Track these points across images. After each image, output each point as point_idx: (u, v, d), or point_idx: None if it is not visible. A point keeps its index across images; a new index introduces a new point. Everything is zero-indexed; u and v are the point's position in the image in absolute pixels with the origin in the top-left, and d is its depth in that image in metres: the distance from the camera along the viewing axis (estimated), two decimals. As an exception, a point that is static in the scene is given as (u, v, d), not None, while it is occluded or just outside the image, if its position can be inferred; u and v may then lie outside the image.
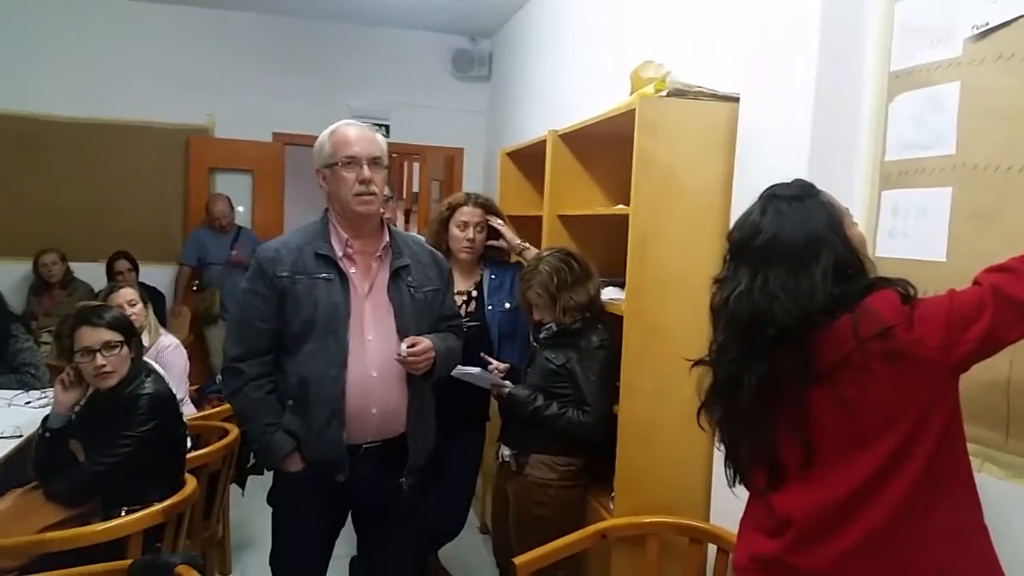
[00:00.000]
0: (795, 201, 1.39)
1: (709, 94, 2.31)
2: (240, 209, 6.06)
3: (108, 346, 2.32)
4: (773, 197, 1.42)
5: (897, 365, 1.27)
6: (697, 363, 1.49)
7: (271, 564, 2.28)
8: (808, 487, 1.37)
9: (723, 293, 1.43)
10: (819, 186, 1.45)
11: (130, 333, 2.37)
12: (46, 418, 2.43)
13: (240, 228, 5.69)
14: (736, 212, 2.16)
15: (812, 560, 1.36)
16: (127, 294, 3.16)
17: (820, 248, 1.34)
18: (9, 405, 3.13)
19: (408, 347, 2.09)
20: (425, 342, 2.13)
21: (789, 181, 1.46)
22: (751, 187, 1.52)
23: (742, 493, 1.53)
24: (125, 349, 2.35)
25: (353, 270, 2.15)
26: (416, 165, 6.46)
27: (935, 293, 1.35)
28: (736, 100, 2.26)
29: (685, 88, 2.31)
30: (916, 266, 1.71)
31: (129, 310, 3.02)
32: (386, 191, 2.31)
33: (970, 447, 1.36)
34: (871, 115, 1.90)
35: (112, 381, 2.33)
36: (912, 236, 1.77)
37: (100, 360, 2.31)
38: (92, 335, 2.32)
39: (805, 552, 1.37)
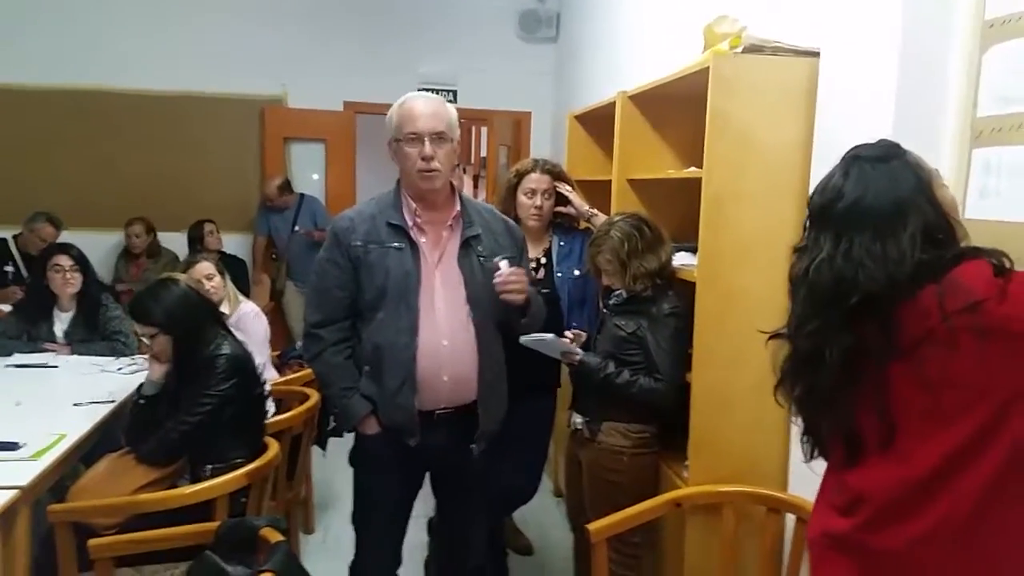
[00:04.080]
0: (880, 162, 1.31)
1: (787, 49, 2.21)
2: (315, 177, 6.19)
3: (149, 336, 2.48)
4: (856, 159, 1.34)
5: (985, 341, 1.18)
6: (773, 336, 1.43)
7: (353, 522, 2.35)
8: (885, 465, 1.31)
9: (803, 262, 1.36)
10: (906, 144, 1.37)
11: (168, 326, 2.46)
12: (140, 385, 2.56)
13: (303, 198, 5.77)
14: (816, 173, 2.08)
15: (884, 540, 1.31)
16: (204, 268, 3.26)
17: (908, 212, 1.26)
18: (102, 371, 3.29)
19: (507, 266, 2.12)
20: (520, 268, 2.14)
21: (873, 141, 1.38)
22: (832, 147, 1.46)
23: (820, 464, 1.49)
24: (163, 337, 2.45)
25: (423, 239, 2.18)
26: (484, 130, 6.44)
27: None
28: (816, 55, 2.16)
29: (762, 44, 2.21)
30: (1009, 228, 1.61)
31: (207, 284, 3.15)
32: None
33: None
34: (962, 68, 1.78)
35: (162, 362, 2.50)
36: (1006, 196, 1.67)
37: (146, 346, 2.52)
38: (137, 328, 2.52)
39: (878, 532, 1.32)
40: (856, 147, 1.37)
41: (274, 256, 5.85)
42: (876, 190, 1.29)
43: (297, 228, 5.64)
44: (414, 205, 2.18)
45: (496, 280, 2.12)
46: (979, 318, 1.18)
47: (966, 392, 1.21)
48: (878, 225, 1.27)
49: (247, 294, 4.26)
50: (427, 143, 2.09)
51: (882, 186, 1.29)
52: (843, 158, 1.37)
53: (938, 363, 1.22)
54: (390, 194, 2.24)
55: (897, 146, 1.35)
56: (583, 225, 3.07)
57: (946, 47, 1.81)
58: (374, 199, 2.26)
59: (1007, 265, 1.21)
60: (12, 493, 2.08)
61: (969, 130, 1.77)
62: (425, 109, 2.12)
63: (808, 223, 1.39)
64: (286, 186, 5.67)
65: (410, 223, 2.17)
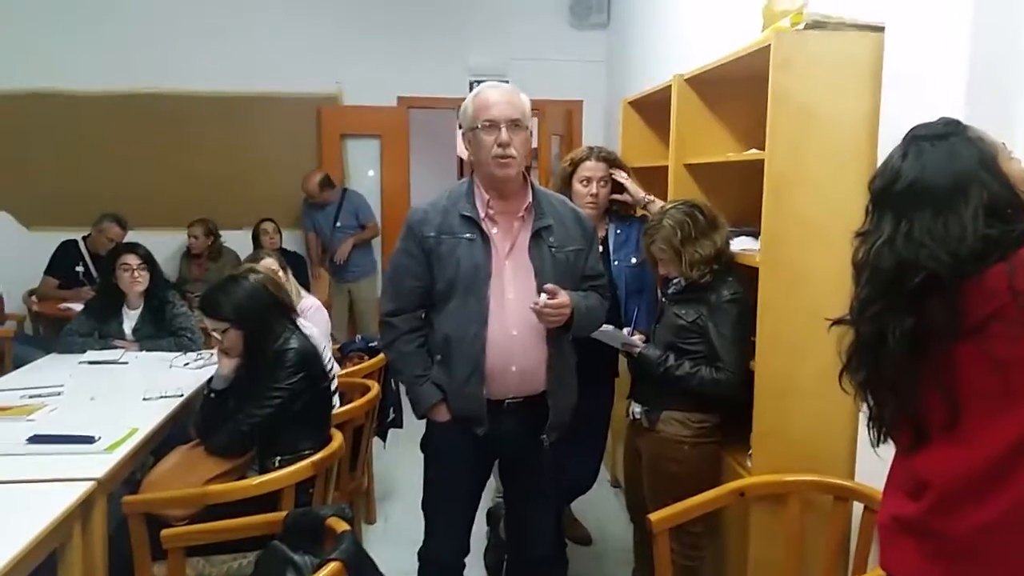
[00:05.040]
0: (939, 140, 1.28)
1: (851, 25, 2.15)
2: (371, 173, 6.26)
3: (220, 331, 2.51)
4: (915, 139, 1.32)
5: None
6: (836, 322, 1.41)
7: (423, 508, 2.38)
8: (952, 448, 1.28)
9: (865, 247, 1.34)
10: (979, 117, 1.32)
11: (238, 321, 2.49)
12: (211, 379, 2.62)
13: (345, 193, 5.79)
14: (882, 153, 2.01)
15: (953, 525, 1.28)
16: (267, 264, 3.32)
17: (969, 186, 1.23)
18: (170, 367, 3.38)
19: (547, 298, 2.10)
20: (564, 296, 2.13)
21: (933, 120, 1.34)
22: (899, 125, 1.41)
23: (888, 451, 1.45)
24: (233, 332, 2.49)
25: (495, 230, 2.19)
26: (535, 120, 6.41)
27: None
28: (881, 30, 2.09)
29: (824, 19, 2.14)
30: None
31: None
32: None
33: None
34: (1041, 35, 1.70)
35: (232, 356, 2.54)
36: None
37: (216, 340, 2.55)
38: (208, 322, 2.56)
39: (946, 516, 1.29)
40: (915, 127, 1.35)
41: (323, 252, 5.90)
42: (934, 168, 1.27)
43: (339, 224, 5.68)
44: (487, 196, 2.19)
45: (532, 308, 2.11)
46: None
47: None
48: (938, 203, 1.25)
49: (307, 289, 4.34)
50: (503, 130, 2.11)
51: (941, 163, 1.27)
52: (903, 139, 1.35)
53: (1008, 342, 1.19)
54: (463, 186, 2.26)
55: (957, 123, 1.32)
56: (639, 212, 3.03)
57: (1019, 13, 1.73)
58: (447, 191, 2.28)
59: None
60: (89, 484, 2.15)
61: (1048, 101, 1.69)
62: (500, 98, 2.14)
63: (870, 207, 1.37)
64: (326, 182, 5.67)
65: (482, 214, 2.18)
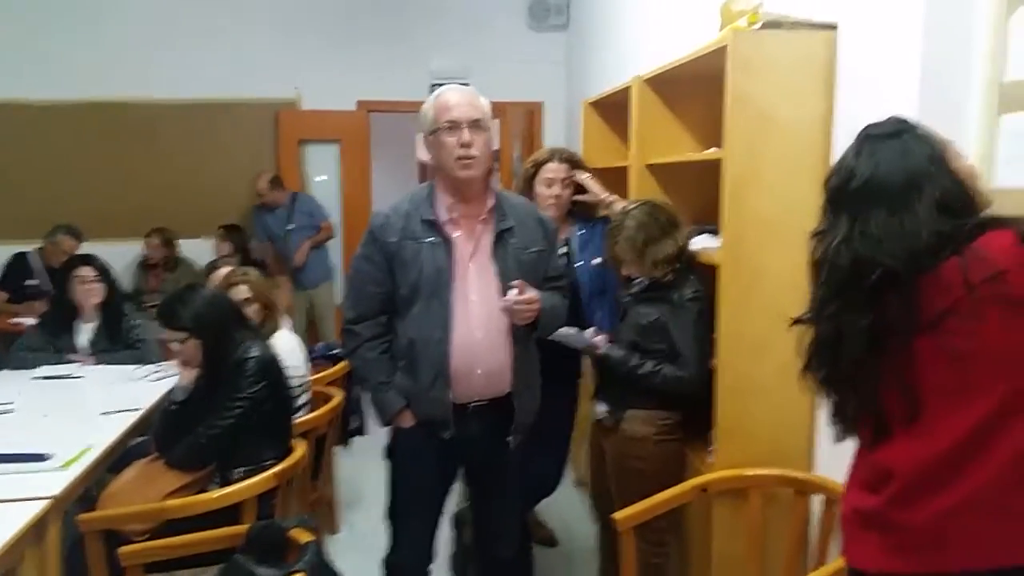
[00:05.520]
0: (891, 138, 1.31)
1: (805, 24, 2.17)
2: (323, 177, 6.20)
3: (179, 341, 2.45)
4: (867, 137, 1.34)
5: (1010, 311, 1.18)
6: (797, 321, 1.43)
7: (388, 517, 2.36)
8: (912, 440, 1.30)
9: (822, 246, 1.36)
10: (931, 114, 1.35)
11: (198, 330, 2.44)
12: (171, 391, 2.56)
13: (296, 196, 5.69)
14: (837, 150, 2.04)
15: (912, 515, 1.30)
16: (224, 274, 3.26)
17: (922, 183, 1.26)
18: (127, 380, 3.30)
19: (517, 293, 2.10)
20: (532, 292, 2.14)
21: (885, 119, 1.36)
22: (854, 122, 1.43)
23: (846, 445, 1.47)
24: (193, 341, 2.44)
25: (457, 233, 2.18)
26: (496, 123, 6.42)
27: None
28: (834, 28, 2.12)
29: (780, 19, 2.16)
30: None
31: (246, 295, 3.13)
32: None
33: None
34: (988, 33, 1.73)
35: (192, 366, 2.48)
36: (1037, 163, 1.63)
37: (174, 351, 2.49)
38: (167, 333, 2.50)
39: (906, 507, 1.31)
40: (868, 126, 1.38)
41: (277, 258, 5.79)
42: (887, 166, 1.29)
43: (292, 226, 5.59)
44: (449, 200, 2.18)
45: (502, 306, 2.12)
46: (1003, 288, 1.18)
47: (992, 362, 1.22)
48: (892, 200, 1.27)
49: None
50: (466, 130, 2.10)
51: (893, 161, 1.29)
52: (856, 138, 1.37)
53: (964, 335, 1.22)
54: (424, 190, 2.25)
55: (907, 121, 1.35)
56: (602, 213, 3.04)
57: (970, 12, 1.76)
58: (409, 195, 2.26)
59: None
60: (44, 503, 2.09)
61: (996, 97, 1.72)
62: (462, 99, 2.14)
63: (825, 205, 1.39)
64: (276, 181, 5.58)
65: (444, 218, 2.17)
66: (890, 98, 1.84)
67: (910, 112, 1.52)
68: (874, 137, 1.33)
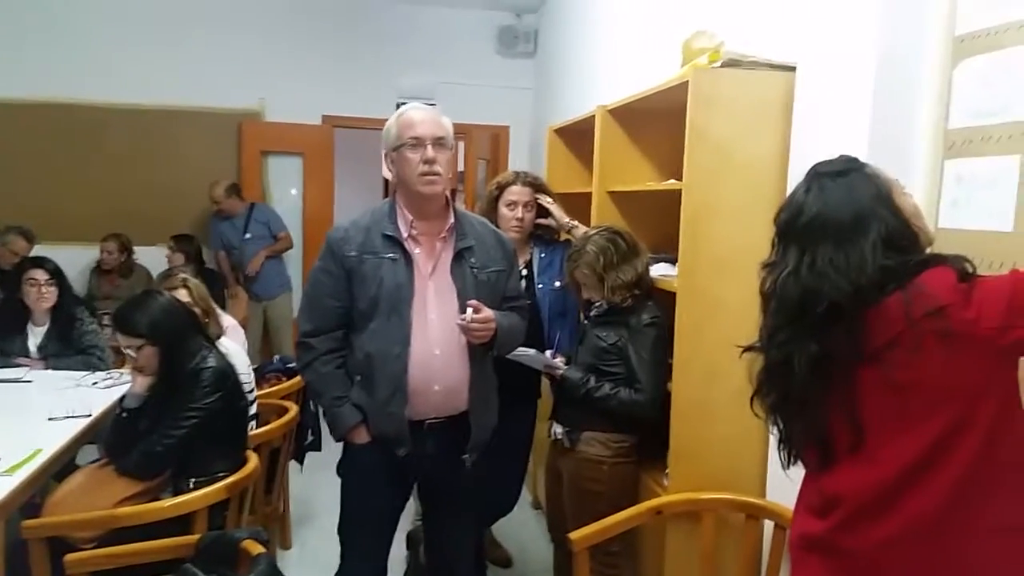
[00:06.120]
0: (839, 176, 1.37)
1: (764, 64, 2.26)
2: (293, 192, 6.18)
3: (134, 348, 2.42)
4: (817, 175, 1.40)
5: (950, 345, 1.23)
6: (748, 349, 1.48)
7: (339, 533, 2.34)
8: (856, 468, 1.35)
9: (771, 277, 1.41)
10: (880, 156, 1.42)
11: (154, 337, 2.41)
12: (122, 398, 2.53)
13: (253, 206, 5.64)
14: (792, 186, 2.11)
15: (856, 541, 1.35)
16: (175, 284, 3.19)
17: (868, 220, 1.31)
18: (77, 386, 3.24)
19: (473, 312, 2.11)
20: (488, 311, 2.15)
21: (834, 158, 1.43)
22: (807, 160, 1.49)
23: (797, 472, 1.52)
24: (148, 348, 2.41)
25: (417, 251, 2.19)
26: (462, 144, 6.48)
27: (1001, 264, 1.31)
28: (792, 69, 2.20)
29: (740, 58, 2.25)
30: (981, 237, 1.66)
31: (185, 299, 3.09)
32: None
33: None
34: (934, 82, 1.83)
35: (146, 374, 2.45)
36: (977, 206, 1.71)
37: (129, 358, 2.45)
38: (121, 339, 2.45)
39: (850, 533, 1.36)
40: (817, 164, 1.43)
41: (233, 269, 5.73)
42: (835, 202, 1.34)
43: (248, 235, 5.54)
44: (409, 216, 2.20)
45: (458, 324, 2.13)
46: (944, 323, 1.22)
47: (933, 394, 1.26)
48: (839, 235, 1.32)
49: (224, 308, 4.23)
50: (429, 147, 2.12)
51: (841, 198, 1.34)
52: (806, 175, 1.43)
53: (905, 367, 1.26)
54: (385, 205, 2.25)
55: (855, 160, 1.41)
56: (564, 237, 3.09)
57: (919, 62, 1.86)
58: (369, 211, 2.27)
59: (970, 271, 1.26)
60: (-13, 508, 2.04)
61: (941, 142, 1.82)
62: (425, 116, 2.16)
63: (775, 239, 1.44)
64: (233, 189, 5.53)
65: (405, 234, 2.18)
66: (842, 139, 1.93)
67: (860, 151, 1.59)
68: (823, 174, 1.39)
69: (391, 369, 2.13)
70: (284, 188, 6.18)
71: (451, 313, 2.16)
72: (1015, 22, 1.63)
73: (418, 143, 2.12)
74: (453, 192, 7.05)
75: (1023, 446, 1.29)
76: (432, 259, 2.21)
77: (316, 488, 3.81)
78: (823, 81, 2.08)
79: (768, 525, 2.19)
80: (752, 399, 1.49)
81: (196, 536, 1.99)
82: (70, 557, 1.96)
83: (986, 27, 1.70)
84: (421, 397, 2.16)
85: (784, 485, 1.93)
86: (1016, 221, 1.61)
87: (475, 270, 2.22)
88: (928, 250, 1.38)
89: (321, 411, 2.39)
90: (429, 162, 2.12)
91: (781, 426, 1.47)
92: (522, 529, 3.68)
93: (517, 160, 6.19)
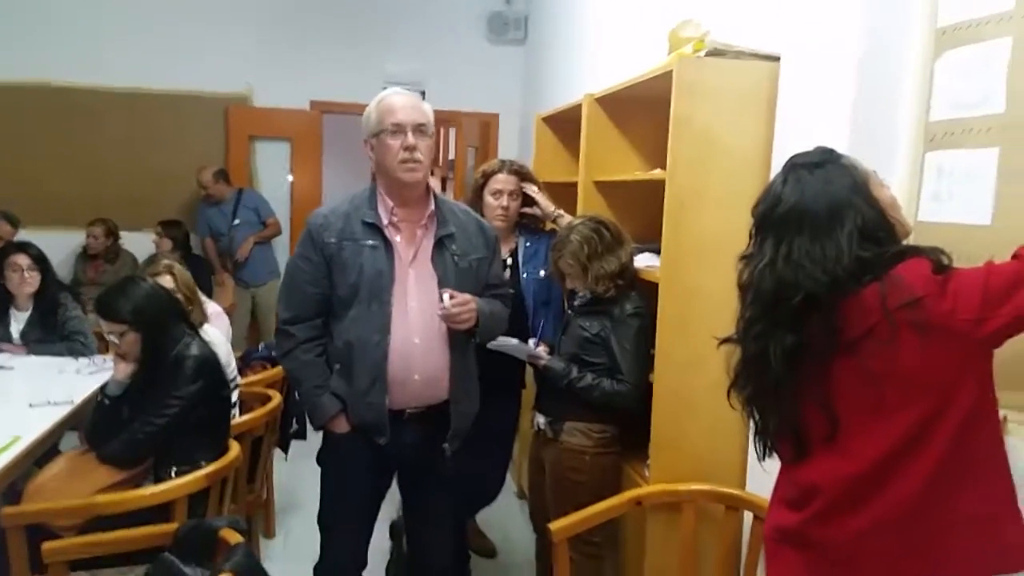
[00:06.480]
0: (816, 168, 1.37)
1: (749, 54, 2.25)
2: (289, 179, 6.16)
3: (117, 334, 2.40)
4: (794, 166, 1.40)
5: (925, 336, 1.23)
6: (725, 341, 1.48)
7: (319, 522, 2.34)
8: (830, 459, 1.35)
9: (748, 269, 1.41)
10: (862, 147, 1.42)
11: (137, 323, 2.39)
12: (104, 385, 2.51)
13: (241, 191, 5.63)
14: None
15: (831, 532, 1.35)
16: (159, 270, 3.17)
17: (844, 211, 1.31)
18: (60, 372, 3.23)
19: (449, 298, 2.10)
20: (466, 295, 2.14)
21: (811, 149, 1.43)
22: (791, 150, 1.49)
23: (775, 465, 1.52)
24: (131, 335, 2.39)
25: (398, 238, 2.18)
26: (452, 131, 6.47)
27: (980, 258, 1.31)
28: (777, 60, 2.20)
29: (724, 48, 2.24)
30: (961, 230, 1.66)
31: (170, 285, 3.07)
32: None
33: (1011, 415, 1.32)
34: (916, 74, 1.83)
35: (129, 361, 2.43)
36: (957, 199, 1.71)
37: (112, 344, 2.44)
38: (104, 325, 2.44)
39: (824, 524, 1.36)
40: (794, 155, 1.43)
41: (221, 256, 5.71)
42: (812, 194, 1.34)
43: (237, 221, 5.51)
44: (390, 203, 2.18)
45: (439, 314, 2.12)
46: (919, 314, 1.23)
47: (908, 385, 1.26)
48: (815, 227, 1.32)
49: (210, 295, 4.21)
50: (410, 134, 2.10)
51: (817, 189, 1.34)
52: (783, 167, 1.43)
53: (881, 357, 1.27)
54: (365, 192, 2.24)
55: (832, 151, 1.41)
56: (549, 226, 3.08)
57: (902, 52, 1.85)
58: (349, 197, 2.25)
59: (946, 262, 1.26)
60: (-36, 495, 2.03)
61: (923, 134, 1.81)
62: (406, 103, 2.14)
63: (753, 231, 1.44)
64: (221, 174, 5.51)
65: (385, 221, 2.17)
66: (825, 129, 1.92)
67: (842, 144, 1.59)
68: (800, 166, 1.39)
69: (371, 357, 2.12)
70: (272, 173, 6.15)
71: (432, 301, 2.15)
72: (996, 14, 1.62)
73: (398, 130, 2.10)
74: (444, 180, 7.09)
75: (996, 436, 1.30)
76: (413, 246, 2.19)
77: (301, 477, 3.80)
78: (807, 71, 2.07)
79: (748, 516, 2.20)
80: (729, 391, 1.49)
81: (174, 525, 1.98)
82: (48, 545, 1.95)
83: (968, 19, 1.69)
84: (401, 386, 2.15)
85: (764, 476, 1.93)
86: (995, 214, 1.61)
87: (456, 257, 2.21)
88: (905, 242, 1.39)
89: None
90: (410, 149, 2.10)
91: (757, 418, 1.48)
92: (507, 519, 3.69)
93: (507, 148, 6.17)
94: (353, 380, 2.15)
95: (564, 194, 3.20)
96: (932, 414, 1.25)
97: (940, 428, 1.25)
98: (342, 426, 2.20)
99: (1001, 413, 1.33)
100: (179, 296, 2.86)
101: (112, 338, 2.41)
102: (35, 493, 2.32)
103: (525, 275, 2.96)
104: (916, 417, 1.26)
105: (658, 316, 2.33)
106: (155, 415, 2.35)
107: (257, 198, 5.70)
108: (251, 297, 5.60)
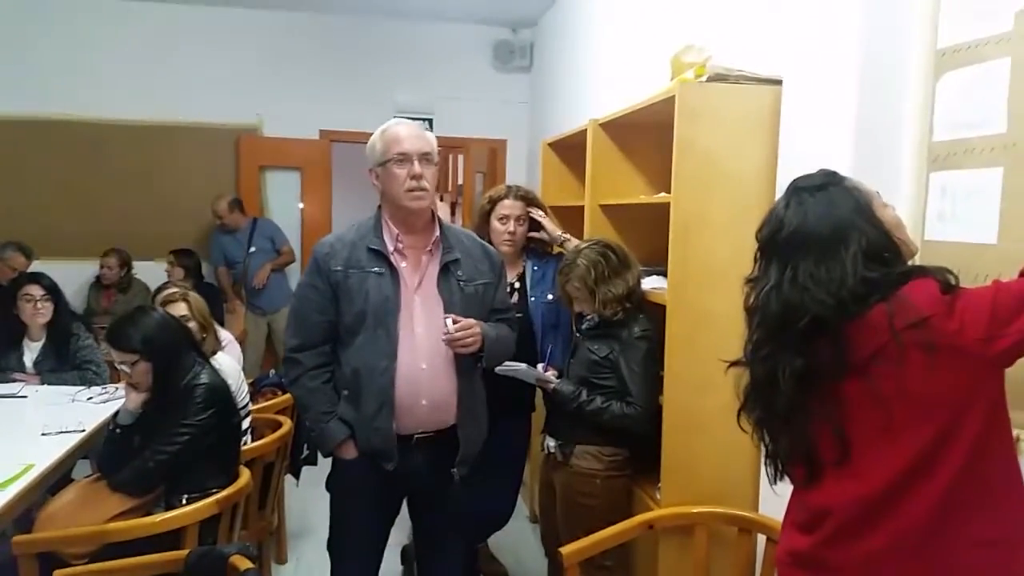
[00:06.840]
0: (819, 191, 1.37)
1: (751, 78, 2.27)
2: (300, 207, 6.21)
3: (128, 364, 2.41)
4: (797, 189, 1.41)
5: (934, 356, 1.23)
6: (733, 364, 1.48)
7: (328, 548, 2.34)
8: (843, 482, 1.34)
9: (754, 292, 1.41)
10: (866, 169, 1.42)
11: (148, 353, 2.41)
12: (116, 413, 2.53)
13: (256, 221, 5.69)
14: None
15: (843, 556, 1.34)
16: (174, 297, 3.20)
17: (848, 233, 1.31)
18: (72, 401, 3.24)
19: (453, 323, 2.12)
20: (469, 320, 2.15)
21: (813, 172, 1.43)
22: (794, 172, 1.50)
23: (787, 486, 1.51)
24: (142, 364, 2.41)
25: (403, 264, 2.20)
26: (460, 158, 6.51)
27: (986, 276, 1.31)
28: (779, 83, 2.22)
29: (726, 72, 2.27)
30: (966, 249, 1.67)
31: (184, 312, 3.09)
32: None
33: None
34: (918, 95, 1.85)
35: (140, 390, 2.45)
36: (961, 218, 1.72)
37: (123, 374, 2.45)
38: (115, 355, 2.45)
39: (837, 547, 1.35)
40: (797, 178, 1.44)
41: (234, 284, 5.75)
42: (815, 216, 1.35)
43: (253, 249, 5.56)
44: (395, 230, 2.21)
45: (443, 339, 2.13)
46: (927, 334, 1.22)
47: (918, 406, 1.25)
48: (819, 249, 1.32)
49: (222, 323, 4.24)
50: (416, 162, 2.13)
51: (820, 212, 1.35)
52: (786, 190, 1.43)
53: (890, 378, 1.26)
54: (371, 220, 2.26)
55: (834, 173, 1.41)
56: (556, 250, 3.10)
57: (903, 74, 1.87)
58: (354, 225, 2.28)
59: (953, 282, 1.26)
60: (-22, 524, 2.04)
61: (926, 155, 1.82)
62: (411, 132, 2.18)
63: (757, 254, 1.44)
64: (236, 203, 5.58)
65: (391, 248, 2.19)
66: (828, 152, 1.94)
67: (845, 166, 1.60)
68: (802, 189, 1.39)
69: (378, 383, 2.14)
70: (282, 202, 6.20)
71: (438, 327, 2.16)
72: (995, 35, 1.64)
73: (405, 159, 2.13)
74: (453, 205, 7.12)
75: (1010, 457, 1.29)
76: (418, 273, 2.21)
77: (313, 502, 3.79)
78: (809, 95, 2.09)
79: (761, 539, 2.19)
80: (739, 414, 1.49)
81: (185, 552, 1.99)
82: (59, 573, 1.96)
83: (967, 40, 1.71)
84: (408, 411, 2.16)
85: (776, 499, 1.93)
86: (1000, 233, 1.62)
87: (462, 283, 2.23)
88: (912, 261, 1.39)
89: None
90: (416, 177, 2.13)
91: (767, 441, 1.47)
92: (519, 543, 3.66)
93: (514, 173, 6.21)
94: (361, 406, 2.16)
95: (571, 218, 3.22)
96: (943, 435, 1.24)
97: (951, 449, 1.24)
98: (350, 452, 2.20)
99: (1015, 433, 1.32)
100: (193, 323, 2.88)
101: (123, 367, 2.43)
102: (47, 521, 2.33)
103: (533, 299, 2.97)
104: (927, 438, 1.25)
105: (666, 338, 2.33)
106: (166, 443, 2.36)
107: (272, 227, 5.76)
108: (267, 324, 5.63)
